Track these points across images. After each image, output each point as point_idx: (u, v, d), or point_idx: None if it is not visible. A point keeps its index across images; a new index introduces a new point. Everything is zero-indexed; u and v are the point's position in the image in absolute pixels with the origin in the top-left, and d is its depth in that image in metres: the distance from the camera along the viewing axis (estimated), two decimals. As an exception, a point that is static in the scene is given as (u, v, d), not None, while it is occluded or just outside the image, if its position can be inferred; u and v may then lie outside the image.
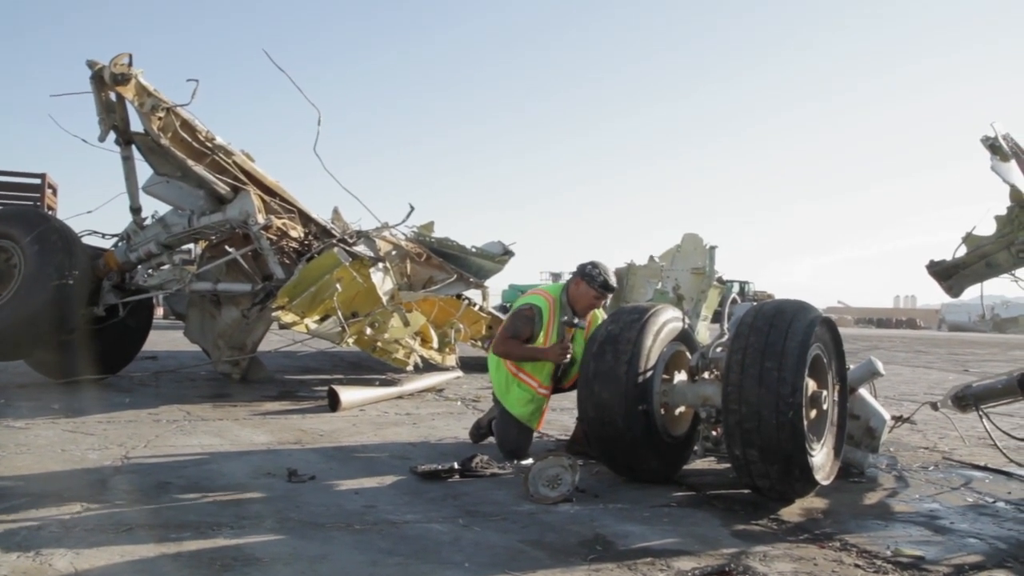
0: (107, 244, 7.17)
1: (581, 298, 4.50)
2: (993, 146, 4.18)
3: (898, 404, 7.19)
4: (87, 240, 6.98)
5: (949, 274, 4.56)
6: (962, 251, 4.48)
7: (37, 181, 12.65)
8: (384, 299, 6.77)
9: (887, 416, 4.50)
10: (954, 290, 4.62)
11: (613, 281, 4.52)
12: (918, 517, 3.50)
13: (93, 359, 6.86)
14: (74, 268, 6.36)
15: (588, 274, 4.46)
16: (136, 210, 6.88)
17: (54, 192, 13.16)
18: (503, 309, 14.25)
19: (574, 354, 4.46)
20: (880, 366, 4.51)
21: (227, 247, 7.31)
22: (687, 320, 4.32)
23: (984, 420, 4.68)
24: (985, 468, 4.59)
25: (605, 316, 4.70)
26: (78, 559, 2.56)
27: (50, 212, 11.54)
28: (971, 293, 4.70)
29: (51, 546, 2.67)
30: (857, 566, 2.79)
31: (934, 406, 5.02)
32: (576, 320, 4.46)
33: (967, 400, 4.69)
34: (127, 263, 6.91)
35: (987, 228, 4.40)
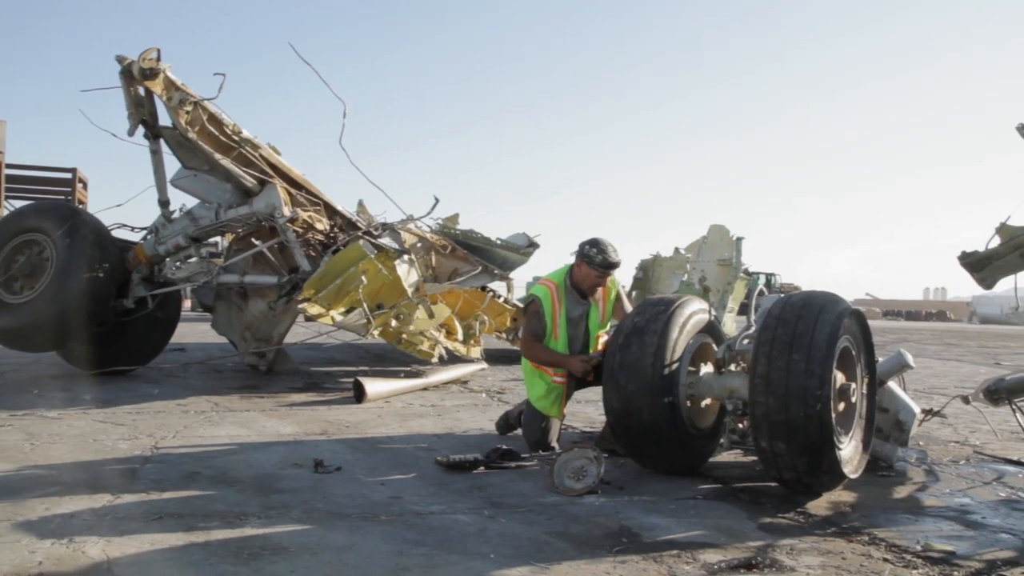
0: (136, 237, 7.26)
1: (584, 279, 4.49)
2: (1028, 134, 4.10)
3: (928, 397, 7.09)
4: (117, 233, 7.07)
5: (982, 265, 4.47)
6: (995, 242, 4.40)
7: (68, 176, 12.85)
8: (409, 291, 6.79)
9: (917, 409, 4.44)
10: (987, 282, 4.54)
11: (614, 258, 4.44)
12: (949, 511, 3.44)
13: (123, 351, 6.98)
14: (105, 261, 6.46)
15: (587, 255, 4.43)
16: (164, 203, 6.96)
17: (84, 186, 13.35)
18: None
19: (589, 334, 4.53)
20: (910, 359, 4.45)
21: (254, 240, 7.38)
22: (713, 312, 4.28)
23: (1017, 414, 4.60)
24: (1018, 463, 4.51)
25: (620, 286, 4.71)
26: (110, 547, 2.60)
27: (81, 206, 11.71)
28: (1004, 285, 4.62)
29: (84, 534, 2.72)
30: (886, 560, 2.76)
31: (965, 399, 4.94)
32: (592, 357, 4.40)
33: (999, 393, 4.61)
34: (156, 256, 6.99)
35: (1021, 219, 4.32)
